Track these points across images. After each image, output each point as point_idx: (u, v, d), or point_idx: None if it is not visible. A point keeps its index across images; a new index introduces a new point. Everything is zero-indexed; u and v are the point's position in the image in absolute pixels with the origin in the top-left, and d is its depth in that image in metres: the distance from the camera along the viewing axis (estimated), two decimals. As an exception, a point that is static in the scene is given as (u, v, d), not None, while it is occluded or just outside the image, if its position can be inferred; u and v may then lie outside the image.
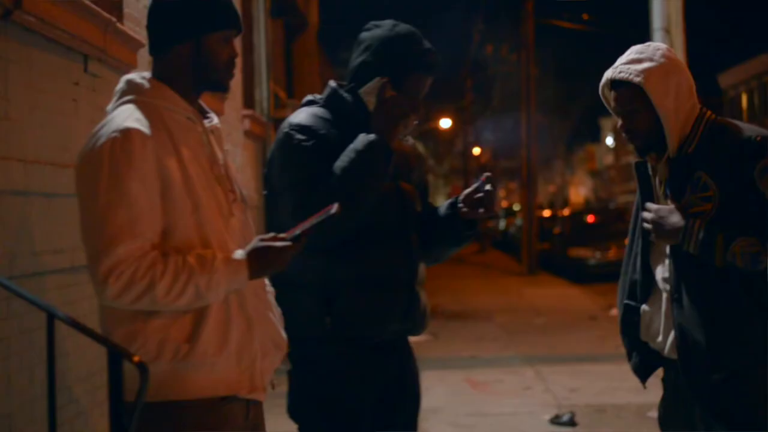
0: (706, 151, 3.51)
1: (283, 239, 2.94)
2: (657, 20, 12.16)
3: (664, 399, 3.77)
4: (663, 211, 3.56)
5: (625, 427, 7.55)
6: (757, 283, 3.42)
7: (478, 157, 51.95)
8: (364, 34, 3.66)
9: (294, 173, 3.45)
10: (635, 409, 7.98)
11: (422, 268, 3.72)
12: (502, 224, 45.77)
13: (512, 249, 34.22)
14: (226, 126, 8.56)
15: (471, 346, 12.24)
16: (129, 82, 3.02)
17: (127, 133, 2.82)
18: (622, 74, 3.57)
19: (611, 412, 8.09)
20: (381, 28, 3.63)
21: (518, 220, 35.30)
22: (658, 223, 3.56)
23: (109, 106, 3.04)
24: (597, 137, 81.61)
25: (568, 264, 24.88)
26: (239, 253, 2.91)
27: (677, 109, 3.54)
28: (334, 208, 2.96)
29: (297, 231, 2.95)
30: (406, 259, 3.61)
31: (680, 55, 12.25)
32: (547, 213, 35.37)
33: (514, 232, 36.07)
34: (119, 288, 2.74)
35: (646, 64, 3.54)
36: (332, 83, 3.69)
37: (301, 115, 3.58)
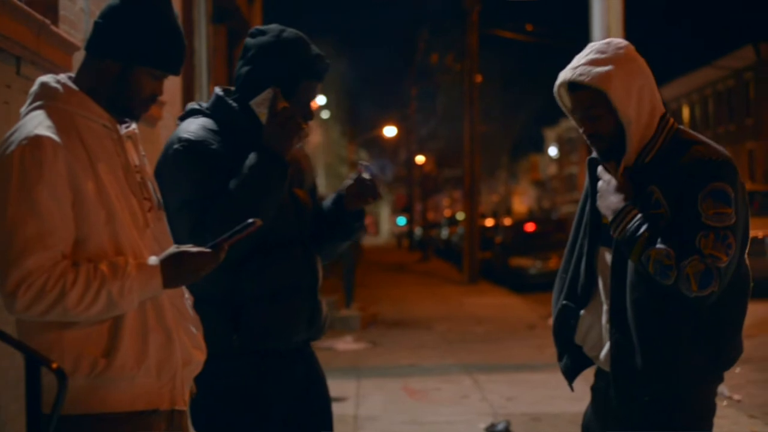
0: (664, 164, 3.40)
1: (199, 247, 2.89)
2: (597, 32, 12.29)
3: (591, 407, 3.74)
4: (610, 185, 3.45)
5: (559, 436, 7.59)
6: (700, 312, 3.36)
7: (421, 166, 52.13)
8: (250, 41, 3.56)
9: (189, 191, 3.36)
10: (570, 417, 8.00)
11: (321, 274, 3.70)
12: (445, 233, 45.91)
13: (454, 258, 34.33)
14: (165, 132, 8.49)
15: (410, 355, 12.25)
16: (43, 86, 2.92)
17: (37, 142, 2.73)
18: (582, 77, 3.40)
19: (547, 421, 8.13)
20: (267, 35, 3.53)
21: (461, 229, 35.42)
22: (601, 194, 3.48)
23: (23, 109, 2.94)
24: (540, 147, 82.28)
25: (509, 273, 25.02)
26: (153, 260, 2.85)
27: (640, 112, 3.41)
28: (253, 221, 2.94)
29: (216, 241, 2.90)
30: (307, 267, 3.60)
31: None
32: (489, 222, 35.53)
33: (457, 241, 36.18)
34: (29, 299, 2.67)
35: (608, 67, 3.37)
36: (218, 90, 3.60)
37: (191, 128, 3.47)
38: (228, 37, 16.01)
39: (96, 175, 2.81)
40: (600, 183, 3.50)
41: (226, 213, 3.22)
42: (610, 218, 3.42)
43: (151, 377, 2.88)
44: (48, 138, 2.74)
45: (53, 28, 5.76)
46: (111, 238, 2.83)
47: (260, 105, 3.47)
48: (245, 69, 3.53)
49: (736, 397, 9.08)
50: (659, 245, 3.29)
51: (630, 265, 3.42)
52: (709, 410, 3.54)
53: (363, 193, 3.66)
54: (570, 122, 3.53)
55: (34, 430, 2.67)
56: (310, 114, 3.56)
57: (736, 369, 10.50)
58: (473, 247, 26.84)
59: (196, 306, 3.26)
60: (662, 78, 56.11)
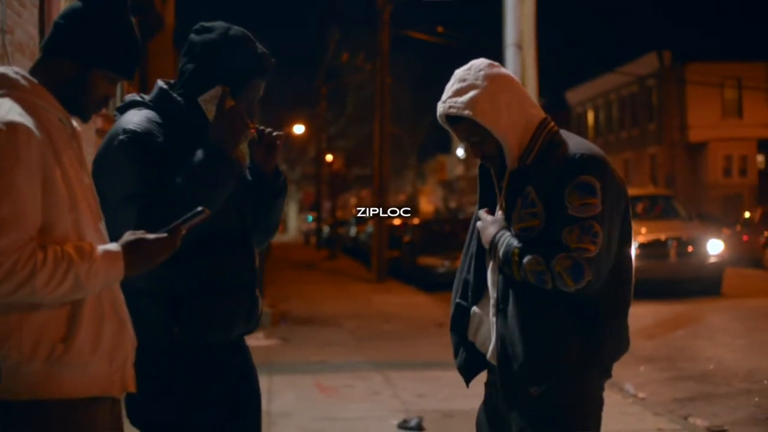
0: (540, 165, 3.52)
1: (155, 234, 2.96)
2: (510, 36, 12.45)
3: (485, 402, 3.83)
4: (485, 221, 3.63)
5: (471, 431, 7.68)
6: (579, 304, 3.47)
7: (330, 164, 52.14)
8: (195, 38, 3.56)
9: (134, 184, 3.34)
10: (481, 414, 8.13)
11: (259, 269, 3.73)
12: (353, 231, 45.98)
13: (362, 256, 34.42)
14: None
15: (320, 352, 12.28)
16: (1, 76, 2.93)
17: (12, 127, 2.77)
18: (451, 110, 3.55)
19: (458, 417, 8.22)
20: (213, 33, 3.54)
21: (369, 228, 35.51)
22: (480, 231, 3.64)
23: None
24: (448, 148, 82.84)
25: (417, 272, 25.15)
26: (114, 246, 2.92)
27: (513, 124, 3.53)
28: (201, 209, 3.01)
29: (170, 226, 2.96)
30: (246, 261, 3.62)
31: (531, 71, 12.58)
32: (397, 221, 35.68)
33: (365, 239, 36.28)
34: None
35: (471, 93, 3.52)
36: (161, 83, 3.59)
37: (135, 119, 3.45)
38: (141, 30, 15.88)
39: (61, 164, 2.87)
40: (478, 223, 3.67)
41: (174, 208, 3.20)
42: (488, 250, 3.59)
43: (104, 364, 2.95)
44: (22, 124, 2.79)
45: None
46: (74, 226, 2.89)
47: (208, 102, 3.47)
48: (191, 66, 3.52)
49: (641, 395, 9.31)
50: (529, 256, 3.43)
51: None
52: (596, 404, 3.64)
53: (267, 142, 3.66)
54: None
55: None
56: (255, 112, 3.59)
57: (640, 368, 10.83)
58: (381, 246, 26.94)
59: (132, 299, 3.27)
60: (569, 82, 57.09)
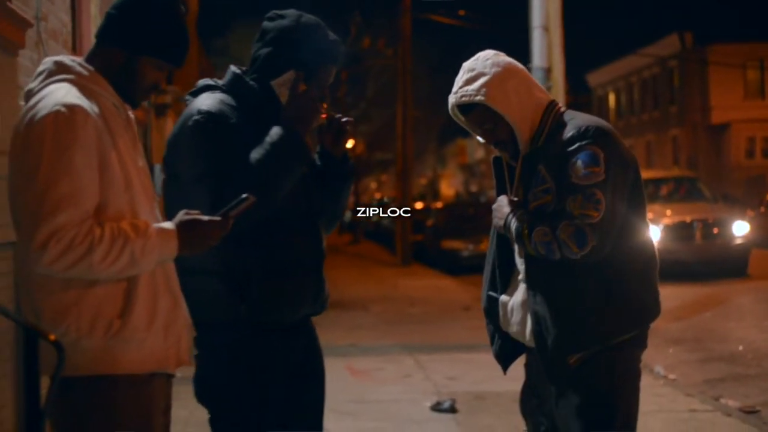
0: (550, 144, 3.62)
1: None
2: (536, 18, 12.44)
3: (525, 385, 3.92)
4: (497, 204, 3.74)
5: (504, 413, 7.70)
6: (604, 271, 3.56)
7: (352, 149, 52.11)
8: (269, 24, 3.63)
9: (207, 163, 3.40)
10: (514, 396, 8.01)
11: (325, 251, 3.78)
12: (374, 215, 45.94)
13: (385, 240, 34.43)
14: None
15: (349, 335, 12.32)
16: (59, 64, 3.06)
17: (71, 108, 2.89)
18: (464, 98, 3.67)
19: (490, 399, 8.26)
20: (287, 19, 3.61)
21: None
22: (494, 215, 3.74)
23: (33, 85, 3.07)
24: (468, 132, 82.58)
25: (442, 256, 25.18)
26: (168, 224, 3.01)
27: (522, 108, 3.64)
28: (247, 195, 3.10)
29: (222, 211, 3.05)
30: (313, 243, 3.66)
31: (558, 53, 12.56)
32: (419, 205, 35.66)
33: (387, 224, 36.29)
34: (58, 252, 2.79)
35: (481, 80, 3.64)
36: (234, 69, 3.67)
37: (209, 102, 3.52)
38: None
39: (116, 147, 2.98)
40: (493, 206, 3.78)
41: (248, 187, 3.26)
42: (503, 231, 3.68)
43: (159, 339, 3.04)
44: (80, 106, 2.90)
45: (9, 4, 5.73)
46: (129, 205, 2.99)
47: (281, 86, 3.55)
48: (265, 51, 3.59)
49: (671, 376, 9.32)
50: (536, 228, 3.52)
51: None
52: (633, 373, 3.72)
53: (337, 127, 3.73)
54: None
55: (33, 398, 2.71)
56: (325, 96, 3.65)
57: (669, 349, 10.83)
58: (406, 230, 26.98)
59: (198, 277, 3.38)
60: (590, 65, 56.82)
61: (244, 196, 3.11)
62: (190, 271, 3.41)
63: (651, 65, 50.63)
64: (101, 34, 3.15)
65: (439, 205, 32.72)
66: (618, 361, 3.66)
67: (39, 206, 2.81)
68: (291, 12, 3.65)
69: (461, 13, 29.45)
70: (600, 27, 73.65)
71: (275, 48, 3.58)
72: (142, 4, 3.11)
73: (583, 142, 3.53)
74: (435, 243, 26.40)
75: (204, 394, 3.62)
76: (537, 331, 3.65)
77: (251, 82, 3.60)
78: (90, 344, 2.91)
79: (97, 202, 2.91)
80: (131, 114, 3.22)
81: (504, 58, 3.73)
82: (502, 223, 3.67)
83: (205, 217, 3.04)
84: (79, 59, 3.11)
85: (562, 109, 3.74)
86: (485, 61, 3.69)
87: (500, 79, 3.63)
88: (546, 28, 12.40)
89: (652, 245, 3.75)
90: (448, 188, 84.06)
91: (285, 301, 3.55)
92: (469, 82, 3.66)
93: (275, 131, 3.46)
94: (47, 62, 3.09)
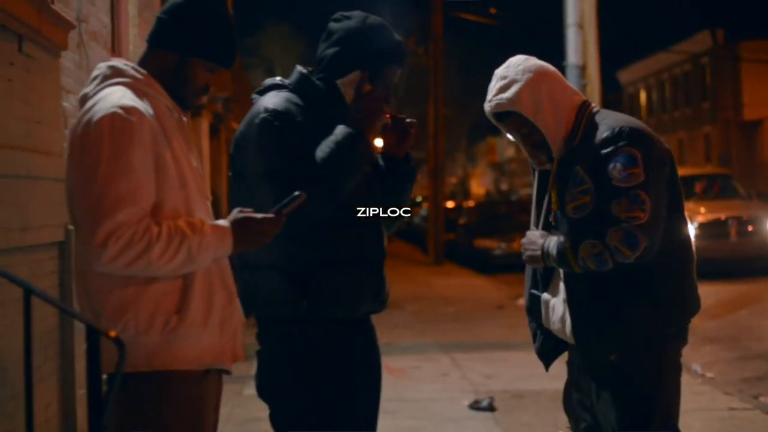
0: (586, 144, 3.65)
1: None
2: (571, 16, 12.42)
3: (568, 382, 3.94)
4: (526, 238, 3.79)
5: (542, 411, 7.72)
6: (641, 269, 3.58)
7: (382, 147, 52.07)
8: (335, 25, 3.70)
9: (273, 161, 3.47)
10: (552, 394, 8.14)
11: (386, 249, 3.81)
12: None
13: (417, 239, 34.42)
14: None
15: (386, 334, 12.21)
16: (113, 68, 3.14)
17: (128, 110, 2.96)
18: (498, 108, 3.72)
19: (529, 397, 8.26)
20: (352, 20, 3.68)
21: (423, 211, 35.50)
22: (524, 250, 3.80)
23: (88, 89, 3.14)
24: (498, 130, 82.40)
25: (474, 254, 25.17)
26: (223, 222, 3.07)
27: (555, 111, 3.68)
28: (299, 193, 3.16)
29: (275, 208, 3.12)
30: (375, 241, 3.71)
31: (593, 51, 12.53)
32: (450, 204, 35.63)
33: (419, 223, 36.30)
34: (118, 249, 2.85)
35: (514, 88, 3.68)
36: (301, 69, 3.73)
37: (276, 100, 3.59)
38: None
39: (171, 147, 3.05)
40: (523, 240, 3.83)
41: (312, 183, 3.35)
42: (542, 264, 3.72)
43: (215, 334, 3.10)
44: (135, 108, 2.98)
45: (52, 5, 5.78)
46: (184, 204, 3.05)
47: (347, 85, 3.60)
48: (331, 51, 3.65)
49: (709, 374, 9.29)
50: (582, 243, 3.54)
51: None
52: (674, 368, 3.76)
53: (401, 128, 3.78)
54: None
55: (95, 393, 2.77)
56: (390, 97, 3.69)
57: (706, 348, 10.78)
58: (438, 229, 26.99)
59: (261, 273, 3.49)
60: (620, 62, 56.57)
61: (296, 193, 3.17)
62: (254, 266, 3.52)
63: (682, 62, 50.33)
64: (153, 38, 3.21)
65: (471, 203, 32.68)
66: (658, 356, 3.69)
67: (98, 205, 2.87)
68: (357, 13, 3.72)
69: (493, 11, 29.41)
70: (631, 24, 73.35)
71: (341, 48, 3.63)
72: (191, 8, 3.17)
73: (619, 144, 3.56)
74: (467, 242, 26.39)
75: (265, 389, 3.68)
76: (577, 329, 3.68)
77: (317, 82, 3.66)
78: (148, 340, 2.97)
79: (154, 201, 2.97)
80: (184, 117, 3.27)
81: (535, 62, 3.77)
82: (538, 253, 3.71)
83: (259, 215, 3.09)
84: (132, 63, 3.18)
85: (596, 109, 3.77)
86: (516, 67, 3.73)
87: (531, 85, 3.68)
88: (581, 26, 12.38)
89: (690, 240, 3.78)
90: (478, 187, 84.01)
91: (346, 297, 3.59)
92: (502, 90, 3.71)
93: (340, 130, 3.51)
94: (102, 67, 3.17)
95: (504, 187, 76.81)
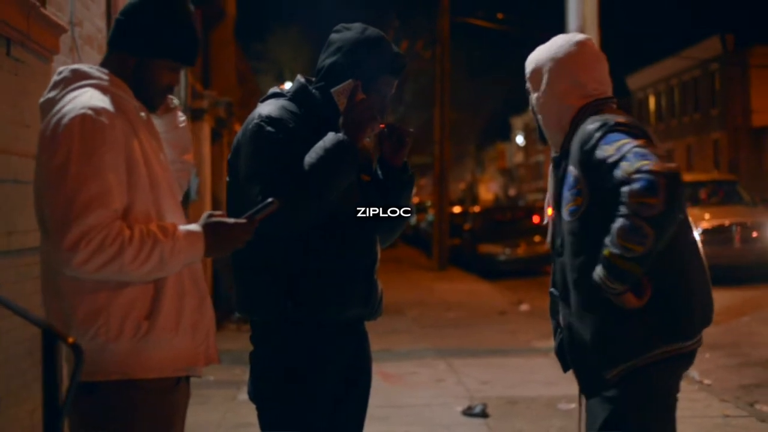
0: (571, 145, 3.63)
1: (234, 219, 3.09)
2: (573, 20, 12.38)
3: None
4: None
5: (536, 418, 7.70)
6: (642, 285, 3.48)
7: (380, 155, 52.03)
8: (335, 36, 3.76)
9: (263, 164, 3.52)
10: (546, 401, 8.14)
11: (379, 257, 3.84)
12: (412, 220, 45.98)
13: (422, 244, 34.46)
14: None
15: (383, 339, 12.30)
16: (77, 71, 3.11)
17: (97, 111, 2.94)
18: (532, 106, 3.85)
19: (522, 404, 8.23)
20: (352, 31, 3.74)
21: (429, 216, 35.49)
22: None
23: (52, 94, 3.11)
24: (507, 136, 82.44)
25: (478, 260, 25.15)
26: (195, 226, 3.05)
27: (556, 112, 3.74)
28: (272, 200, 3.17)
29: (247, 214, 3.12)
30: (366, 248, 3.74)
31: (594, 56, 12.49)
32: (457, 209, 35.59)
33: (425, 228, 36.30)
34: (89, 253, 2.82)
35: (533, 94, 3.82)
36: (301, 78, 3.79)
37: (271, 107, 3.66)
38: (203, 22, 16.00)
39: (141, 146, 3.03)
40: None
41: (296, 187, 3.44)
42: (608, 293, 3.45)
43: (187, 338, 3.08)
44: (105, 109, 2.96)
45: (42, 10, 5.78)
46: (154, 205, 3.03)
47: (340, 94, 3.64)
48: (329, 61, 3.71)
49: (707, 381, 9.25)
50: (608, 238, 3.36)
51: (568, 247, 3.60)
52: (662, 394, 3.61)
53: (397, 138, 3.80)
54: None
55: (52, 400, 2.74)
56: (386, 108, 3.76)
57: (706, 354, 10.73)
58: (443, 234, 26.95)
59: (252, 275, 3.55)
60: (629, 67, 56.46)
61: (270, 200, 3.18)
62: (247, 268, 3.60)
63: (692, 68, 50.21)
64: (112, 40, 3.20)
65: (476, 209, 32.63)
66: (652, 380, 3.56)
67: (68, 208, 2.84)
68: (356, 25, 3.78)
69: (500, 16, 29.39)
70: (640, 29, 73.21)
71: (338, 58, 3.70)
72: (146, 8, 3.14)
73: (599, 134, 3.48)
74: (472, 247, 26.37)
75: (254, 391, 3.72)
76: (570, 344, 3.65)
77: (314, 91, 3.72)
78: (119, 347, 2.95)
79: (126, 203, 2.95)
80: (151, 115, 3.26)
81: (554, 61, 3.77)
82: (597, 288, 3.47)
83: (231, 220, 3.08)
84: (96, 66, 3.16)
85: (591, 109, 3.68)
86: (541, 53, 3.82)
87: (546, 90, 3.76)
88: (582, 30, 12.33)
89: (696, 246, 3.62)
90: (486, 192, 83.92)
91: (332, 300, 3.62)
92: (528, 91, 3.84)
93: (329, 137, 3.55)
94: (64, 71, 3.13)
95: (512, 192, 76.73)
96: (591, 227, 3.50)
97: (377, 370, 9.98)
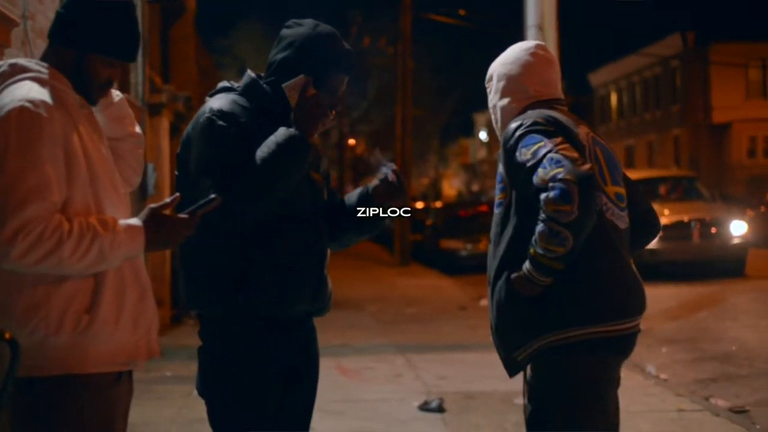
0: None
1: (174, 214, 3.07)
2: (531, 17, 12.41)
3: None
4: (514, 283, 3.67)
5: (492, 413, 7.71)
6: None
7: (353, 148, 52.19)
8: (286, 32, 3.76)
9: (214, 158, 3.52)
10: (502, 396, 8.16)
11: (329, 253, 3.86)
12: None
13: (384, 240, 34.40)
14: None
15: (342, 334, 12.31)
16: (15, 65, 3.08)
17: (36, 103, 2.91)
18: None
19: (479, 398, 8.24)
20: (304, 27, 3.74)
21: (391, 212, 35.43)
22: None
23: None
24: (470, 132, 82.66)
25: (440, 255, 25.16)
26: (135, 220, 3.02)
27: (508, 107, 3.89)
28: (214, 196, 3.17)
29: (189, 209, 3.10)
30: (316, 244, 3.74)
31: (553, 51, 12.53)
32: (420, 205, 35.60)
33: (387, 223, 36.32)
34: (27, 246, 2.78)
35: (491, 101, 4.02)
36: (251, 73, 3.79)
37: (222, 102, 3.65)
38: (162, 16, 15.90)
39: (82, 140, 2.99)
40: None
41: (247, 181, 3.44)
42: (528, 289, 3.59)
43: (128, 331, 3.06)
44: (44, 101, 2.93)
45: (-7, 3, 5.73)
46: (94, 198, 2.99)
47: (291, 89, 3.65)
48: (280, 56, 3.72)
49: (663, 376, 9.31)
50: (532, 239, 3.50)
51: (493, 237, 3.77)
52: (591, 376, 3.63)
53: (391, 194, 3.89)
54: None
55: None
56: (338, 104, 3.77)
57: (663, 349, 10.81)
58: (404, 230, 26.96)
59: (201, 270, 3.54)
60: (591, 64, 56.77)
61: (212, 196, 3.17)
62: (190, 262, 3.59)
63: (653, 65, 50.59)
64: (52, 33, 3.17)
65: (438, 204, 32.66)
66: (565, 365, 3.60)
67: (5, 200, 2.81)
68: (308, 21, 3.78)
69: (461, 12, 29.43)
70: (602, 26, 73.60)
71: (290, 53, 3.70)
72: (87, 2, 3.12)
73: (518, 134, 3.62)
74: (433, 243, 26.39)
75: (201, 386, 3.70)
76: (493, 327, 3.77)
77: (265, 86, 3.72)
78: (59, 341, 2.92)
79: (65, 196, 2.92)
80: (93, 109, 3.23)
81: (510, 54, 3.97)
82: (523, 284, 3.61)
83: (173, 215, 3.07)
84: (35, 60, 3.12)
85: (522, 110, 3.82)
86: (496, 60, 4.00)
87: (500, 104, 3.93)
88: (540, 27, 12.37)
89: (612, 238, 3.67)
90: (450, 188, 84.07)
91: (281, 296, 3.61)
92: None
93: (281, 131, 3.56)
94: (2, 65, 3.10)
95: (476, 188, 76.89)
96: (512, 220, 3.65)
97: (335, 364, 10.04)
